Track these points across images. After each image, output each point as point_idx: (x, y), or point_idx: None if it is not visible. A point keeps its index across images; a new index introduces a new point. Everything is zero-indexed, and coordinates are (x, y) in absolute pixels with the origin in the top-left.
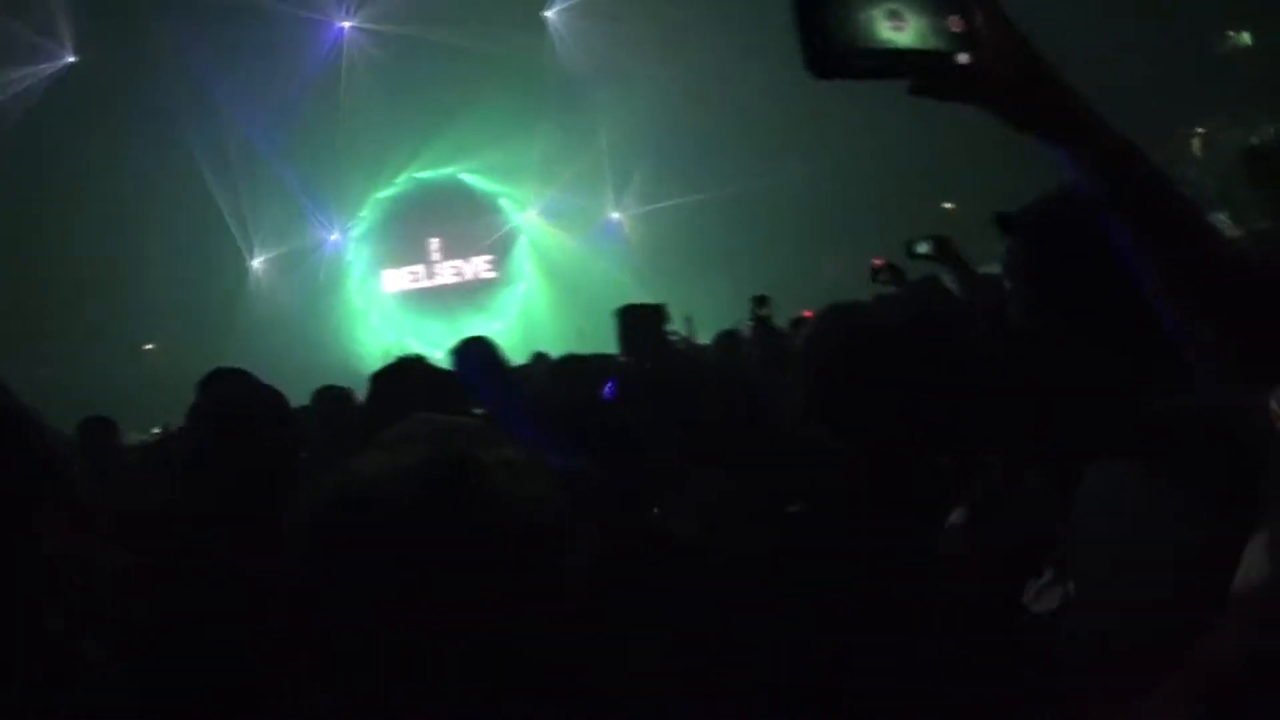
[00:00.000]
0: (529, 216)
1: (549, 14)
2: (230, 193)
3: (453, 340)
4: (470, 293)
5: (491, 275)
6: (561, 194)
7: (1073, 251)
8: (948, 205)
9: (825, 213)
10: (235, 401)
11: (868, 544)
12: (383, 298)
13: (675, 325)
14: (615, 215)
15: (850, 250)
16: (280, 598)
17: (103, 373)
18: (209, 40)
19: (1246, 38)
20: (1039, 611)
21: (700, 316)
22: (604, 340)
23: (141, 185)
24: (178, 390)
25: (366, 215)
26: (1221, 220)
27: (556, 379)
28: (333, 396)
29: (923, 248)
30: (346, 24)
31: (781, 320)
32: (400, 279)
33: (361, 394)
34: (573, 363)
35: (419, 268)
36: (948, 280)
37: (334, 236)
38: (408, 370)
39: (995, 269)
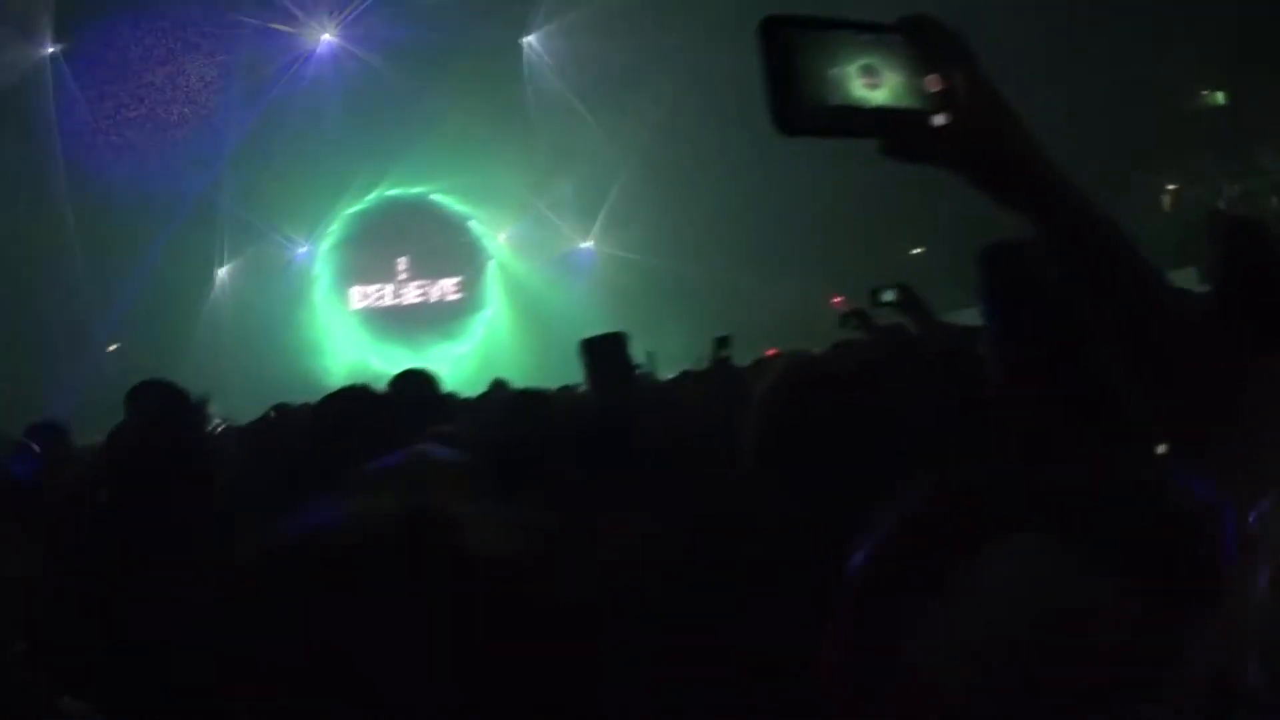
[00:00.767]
0: (499, 241)
1: (529, 39)
2: (200, 199)
3: (416, 361)
4: (435, 314)
5: (458, 297)
6: (533, 220)
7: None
8: (916, 251)
9: (795, 247)
10: (155, 414)
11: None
12: (348, 314)
13: (638, 359)
14: (585, 244)
15: (818, 287)
16: (226, 631)
17: (68, 373)
18: (183, 46)
19: (1220, 97)
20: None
21: (665, 352)
22: (567, 370)
23: (110, 189)
24: None
25: (335, 230)
26: (1189, 275)
27: (514, 415)
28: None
29: (888, 295)
30: (326, 36)
31: (746, 357)
32: (366, 296)
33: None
34: (531, 399)
35: (386, 286)
36: (911, 326)
37: (302, 249)
38: (353, 400)
39: (959, 317)
